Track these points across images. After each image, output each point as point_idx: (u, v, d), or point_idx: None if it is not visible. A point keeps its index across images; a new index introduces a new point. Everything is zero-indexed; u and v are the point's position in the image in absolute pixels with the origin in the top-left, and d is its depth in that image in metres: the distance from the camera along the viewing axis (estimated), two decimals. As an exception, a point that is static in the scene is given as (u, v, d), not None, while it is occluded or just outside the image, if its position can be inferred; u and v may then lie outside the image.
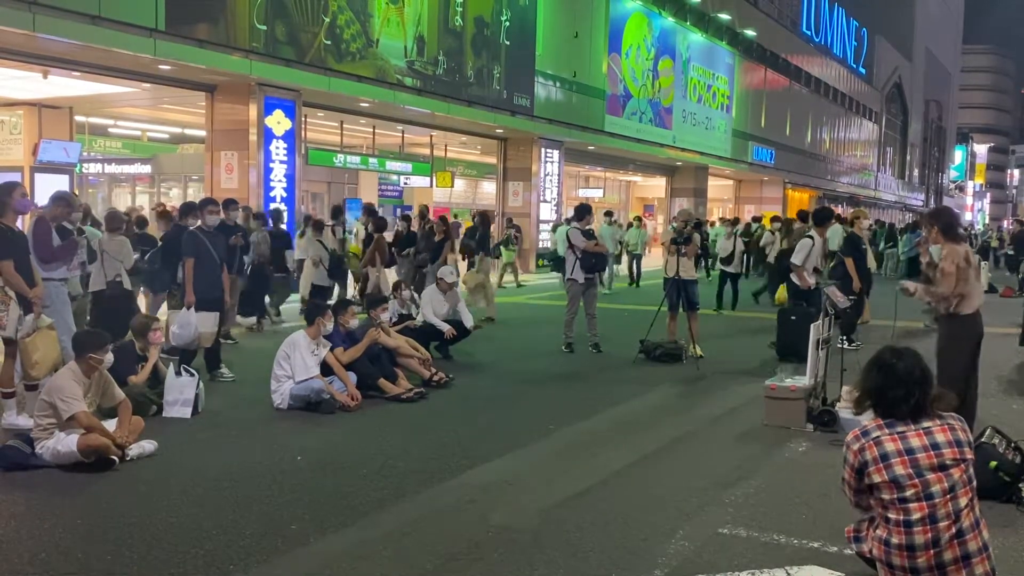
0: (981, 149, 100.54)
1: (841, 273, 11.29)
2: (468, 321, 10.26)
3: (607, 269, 18.32)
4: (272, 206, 16.07)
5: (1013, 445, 5.39)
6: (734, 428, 7.18)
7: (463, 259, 14.95)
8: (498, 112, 22.91)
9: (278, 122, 17.25)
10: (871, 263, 12.85)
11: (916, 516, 3.57)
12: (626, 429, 7.14)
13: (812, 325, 7.33)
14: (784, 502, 5.30)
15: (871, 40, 57.25)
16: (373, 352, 8.17)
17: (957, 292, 6.18)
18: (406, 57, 19.72)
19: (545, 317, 14.37)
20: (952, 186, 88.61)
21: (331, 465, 5.94)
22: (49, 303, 7.14)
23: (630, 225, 23.73)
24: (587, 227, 11.03)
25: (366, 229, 13.67)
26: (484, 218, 15.69)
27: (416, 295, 10.72)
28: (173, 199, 22.35)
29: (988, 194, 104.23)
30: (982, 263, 13.41)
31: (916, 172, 74.36)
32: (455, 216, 24.34)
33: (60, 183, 16.04)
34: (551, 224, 25.40)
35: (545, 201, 26.35)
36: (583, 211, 11.23)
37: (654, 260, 23.34)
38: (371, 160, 24.15)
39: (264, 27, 16.07)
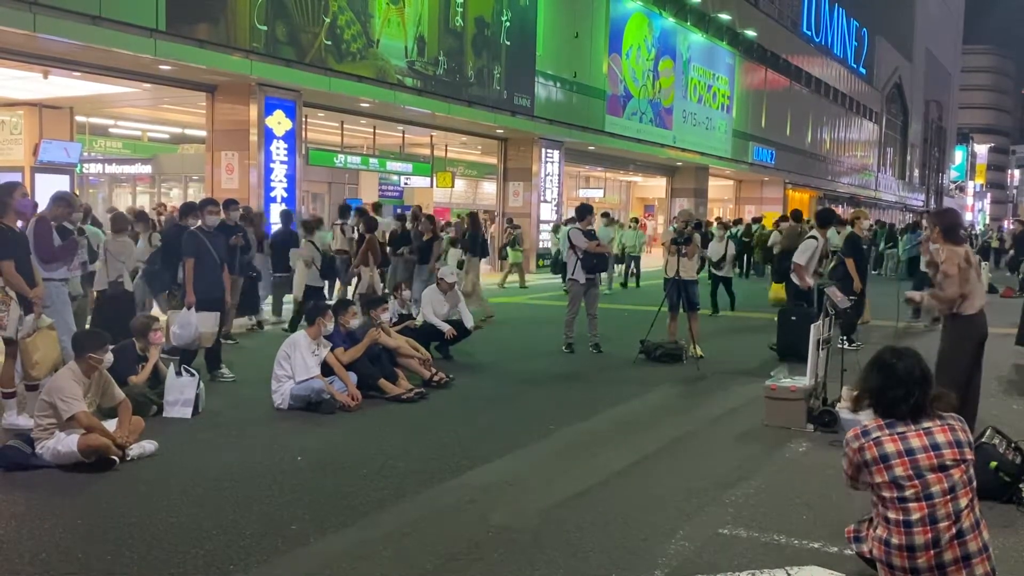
0: (981, 149, 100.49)
1: (841, 274, 11.29)
2: (468, 321, 10.26)
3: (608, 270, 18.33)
4: (282, 208, 16.14)
5: (1013, 445, 5.38)
6: (734, 428, 7.18)
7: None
8: (498, 112, 22.91)
9: (279, 122, 17.26)
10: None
11: (916, 516, 3.57)
12: (626, 429, 7.14)
13: (812, 325, 7.33)
14: (784, 502, 5.30)
15: (871, 40, 57.26)
16: (373, 352, 8.17)
17: (960, 293, 6.18)
18: (406, 57, 19.72)
19: (545, 317, 14.37)
20: (952, 186, 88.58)
21: (331, 465, 5.94)
22: (49, 303, 7.14)
23: (630, 226, 23.70)
24: (588, 227, 11.04)
25: (357, 229, 13.65)
26: (474, 219, 15.63)
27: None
28: (174, 199, 22.36)
29: (988, 194, 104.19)
30: (982, 263, 13.41)
31: (916, 172, 74.36)
32: (458, 216, 24.32)
33: (60, 183, 16.06)
34: (551, 224, 25.42)
35: (545, 201, 26.36)
36: (584, 211, 11.23)
37: (654, 260, 23.36)
38: (371, 160, 24.16)
39: (264, 27, 16.07)
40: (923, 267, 14.14)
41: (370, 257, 12.69)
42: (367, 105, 19.70)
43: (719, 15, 35.05)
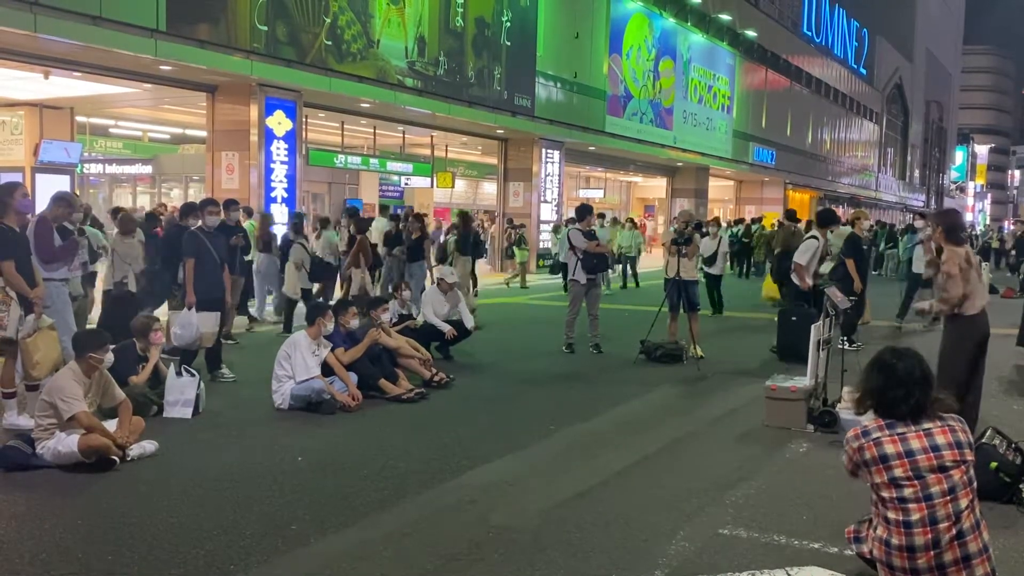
0: (982, 150, 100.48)
1: (842, 274, 11.28)
2: (469, 321, 10.27)
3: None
4: (295, 210, 16.18)
5: (1013, 446, 5.38)
6: (735, 429, 7.18)
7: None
8: (499, 113, 22.91)
9: (279, 123, 17.26)
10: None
11: (915, 517, 3.57)
12: (627, 430, 7.14)
13: (813, 326, 7.33)
14: (784, 503, 5.30)
15: (872, 41, 57.28)
16: (374, 352, 8.17)
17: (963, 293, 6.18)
18: (407, 58, 19.72)
19: (546, 317, 14.38)
20: (953, 187, 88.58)
21: (332, 465, 5.94)
22: (50, 303, 7.15)
23: (625, 226, 23.62)
24: (588, 228, 11.04)
25: (348, 231, 13.64)
26: (464, 218, 15.61)
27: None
28: (174, 199, 22.36)
29: (989, 195, 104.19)
30: (983, 264, 13.40)
31: (917, 173, 74.37)
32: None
33: (61, 183, 16.07)
34: (551, 225, 25.43)
35: (546, 202, 26.36)
36: (583, 212, 11.23)
37: (655, 260, 23.34)
38: (372, 161, 24.17)
39: (265, 28, 16.08)
40: (916, 268, 14.23)
41: (361, 258, 12.69)
42: (367, 105, 19.70)
43: (719, 15, 35.05)
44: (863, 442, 3.71)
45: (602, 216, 21.73)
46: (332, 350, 7.80)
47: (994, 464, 5.15)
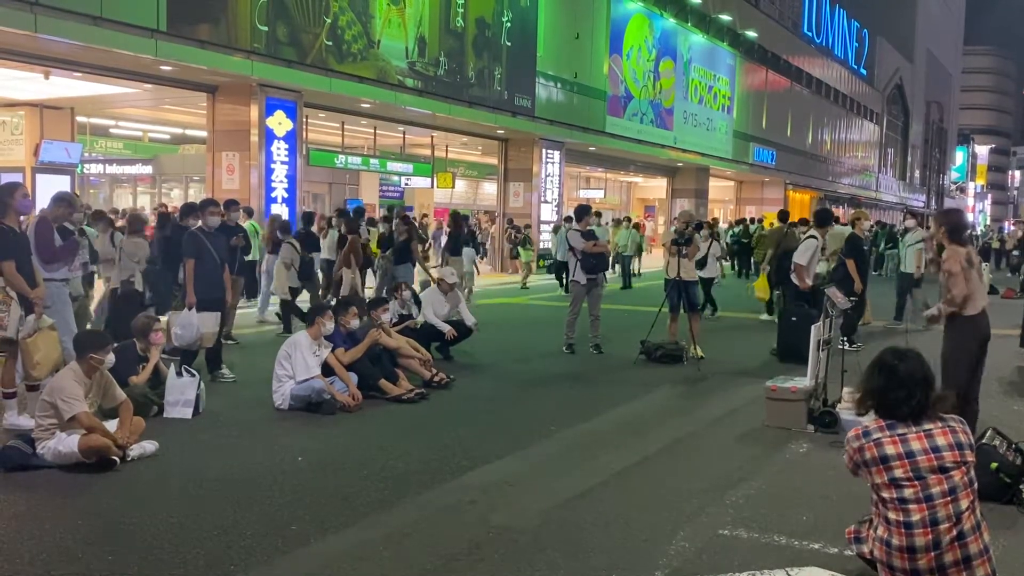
0: (982, 150, 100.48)
1: (842, 274, 11.27)
2: (469, 320, 10.27)
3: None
4: (305, 209, 16.19)
5: (1014, 446, 5.38)
6: (735, 429, 7.18)
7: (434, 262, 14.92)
8: (499, 113, 22.92)
9: (279, 123, 17.27)
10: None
11: (916, 518, 3.56)
12: (627, 430, 7.14)
13: (813, 326, 7.33)
14: (785, 503, 5.30)
15: (872, 41, 57.29)
16: (374, 353, 8.17)
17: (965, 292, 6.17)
18: (407, 58, 19.73)
19: (546, 318, 14.38)
20: (953, 187, 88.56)
21: (332, 466, 5.94)
22: (50, 303, 7.15)
23: (623, 226, 23.60)
24: (587, 228, 11.03)
25: (339, 231, 13.64)
26: (456, 219, 15.57)
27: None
28: (174, 200, 22.38)
29: (989, 195, 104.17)
30: (983, 264, 13.39)
31: (917, 173, 74.37)
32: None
33: (61, 184, 16.09)
34: (551, 225, 25.43)
35: (546, 202, 26.37)
36: (581, 212, 11.23)
37: (655, 260, 23.35)
38: (372, 161, 24.18)
39: (265, 28, 16.08)
40: (905, 268, 14.24)
41: (352, 259, 12.68)
42: (368, 106, 19.71)
43: (720, 16, 35.06)
44: (863, 442, 3.71)
45: (598, 215, 21.72)
46: (332, 350, 7.81)
47: (994, 465, 5.15)
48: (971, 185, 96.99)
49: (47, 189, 13.47)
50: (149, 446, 6.05)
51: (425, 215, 24.78)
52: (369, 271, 14.13)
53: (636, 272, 23.35)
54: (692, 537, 4.70)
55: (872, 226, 29.07)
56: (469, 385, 8.82)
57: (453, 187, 28.61)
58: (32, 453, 5.73)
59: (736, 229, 26.87)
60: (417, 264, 13.72)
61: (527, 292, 19.52)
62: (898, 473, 3.60)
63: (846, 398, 6.97)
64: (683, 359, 10.21)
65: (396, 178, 27.08)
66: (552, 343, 11.25)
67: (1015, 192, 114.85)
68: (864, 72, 56.40)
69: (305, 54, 17.03)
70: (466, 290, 15.76)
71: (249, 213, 13.97)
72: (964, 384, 6.03)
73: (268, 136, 17.04)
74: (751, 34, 37.67)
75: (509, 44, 23.17)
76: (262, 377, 8.04)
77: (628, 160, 33.16)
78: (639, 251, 23.74)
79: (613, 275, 20.54)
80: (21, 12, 12.21)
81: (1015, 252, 26.89)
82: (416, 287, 12.30)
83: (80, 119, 20.03)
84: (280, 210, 16.95)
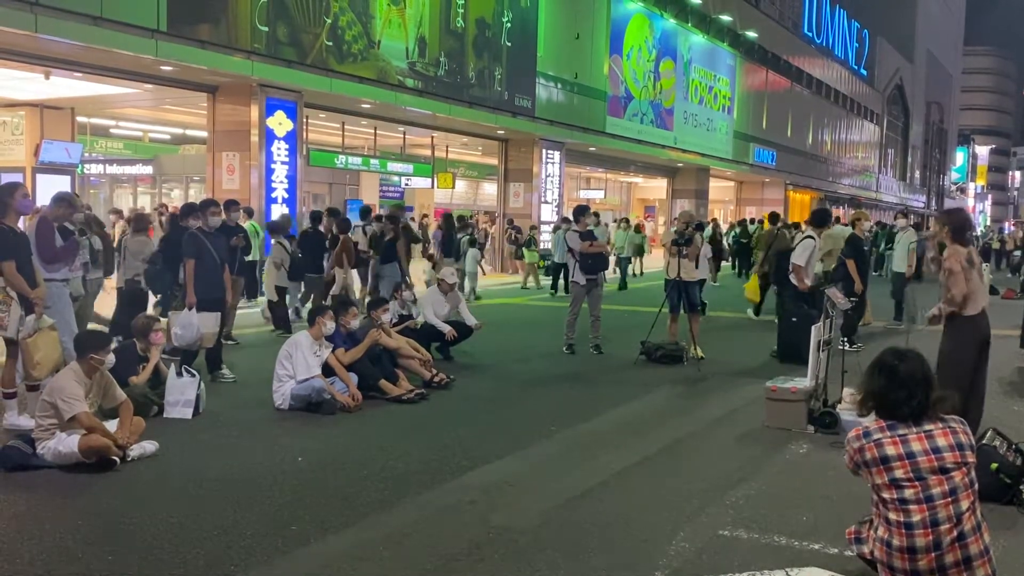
0: (982, 151, 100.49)
1: (842, 275, 11.27)
2: (470, 321, 10.26)
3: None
4: (312, 208, 16.18)
5: (1014, 447, 5.38)
6: (735, 429, 7.18)
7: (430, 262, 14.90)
8: (499, 113, 22.92)
9: (279, 123, 17.27)
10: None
11: (916, 518, 3.56)
12: (627, 430, 7.14)
13: (813, 327, 7.33)
14: (785, 504, 5.30)
15: (872, 42, 57.29)
16: (374, 353, 8.17)
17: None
18: (407, 58, 19.73)
19: (545, 318, 14.38)
20: (953, 188, 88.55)
21: (332, 466, 5.94)
22: (51, 304, 7.14)
23: (621, 226, 23.55)
24: (585, 228, 11.03)
25: (331, 231, 13.64)
26: (448, 220, 15.52)
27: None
28: (175, 200, 22.38)
29: (989, 196, 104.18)
30: (984, 264, 13.39)
31: (917, 174, 74.36)
32: (470, 216, 24.30)
33: (62, 184, 16.09)
34: (551, 226, 25.41)
35: (546, 202, 26.36)
36: (579, 213, 11.23)
37: (655, 261, 23.33)
38: (372, 161, 24.18)
39: (266, 28, 16.08)
40: (896, 267, 14.25)
41: (344, 258, 12.67)
42: (368, 106, 19.71)
43: (720, 16, 35.06)
44: (864, 443, 3.71)
45: (596, 215, 21.68)
46: (333, 351, 7.81)
47: (995, 465, 5.15)
48: (971, 186, 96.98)
49: (47, 189, 13.47)
50: (149, 446, 6.05)
51: (425, 215, 24.78)
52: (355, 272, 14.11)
53: (637, 273, 23.33)
54: (692, 537, 4.70)
55: (872, 227, 29.05)
56: (469, 385, 8.82)
57: (453, 187, 28.61)
58: (32, 453, 5.74)
59: (736, 230, 26.88)
60: (411, 263, 13.78)
61: (527, 292, 19.53)
62: (899, 474, 3.60)
63: (846, 399, 6.96)
64: (683, 359, 10.21)
65: (396, 178, 27.07)
66: (552, 343, 11.25)
67: (1015, 193, 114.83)
68: (864, 72, 56.41)
69: (305, 54, 17.03)
70: (468, 290, 15.77)
71: (249, 213, 13.97)
72: (964, 384, 6.03)
73: (268, 136, 17.04)
74: (751, 34, 37.67)
75: (509, 44, 23.18)
76: (262, 377, 8.04)
77: (628, 160, 33.16)
78: (639, 252, 23.74)
79: (614, 275, 20.55)
80: (21, 12, 12.20)
81: (1015, 252, 26.87)
82: (423, 287, 12.31)
83: (80, 119, 20.02)
84: (280, 211, 16.95)
